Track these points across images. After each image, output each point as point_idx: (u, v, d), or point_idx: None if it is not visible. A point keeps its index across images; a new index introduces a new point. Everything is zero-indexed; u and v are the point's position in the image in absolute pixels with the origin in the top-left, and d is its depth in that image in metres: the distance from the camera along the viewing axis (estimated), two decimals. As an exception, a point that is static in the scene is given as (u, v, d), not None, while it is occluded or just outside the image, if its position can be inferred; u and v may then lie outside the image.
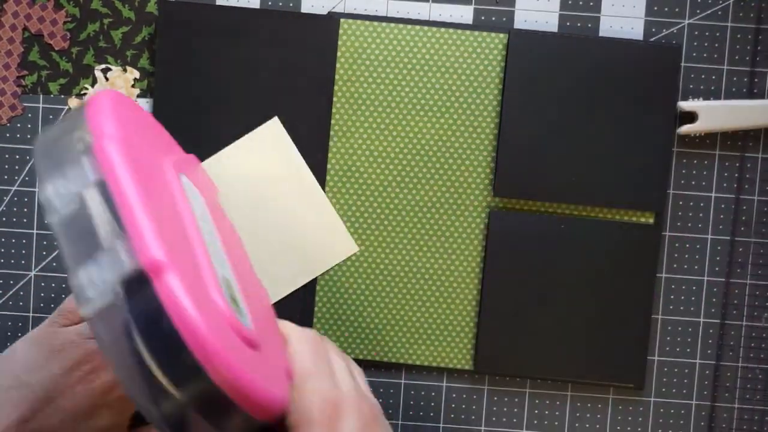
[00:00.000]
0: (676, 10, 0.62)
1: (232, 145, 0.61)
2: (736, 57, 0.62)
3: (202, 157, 0.62)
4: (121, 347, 0.40)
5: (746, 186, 0.62)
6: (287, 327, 0.51)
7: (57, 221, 0.43)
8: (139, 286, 0.40)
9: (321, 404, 0.46)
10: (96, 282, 0.40)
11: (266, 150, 0.61)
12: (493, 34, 0.61)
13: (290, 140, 0.61)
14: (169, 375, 0.40)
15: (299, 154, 0.61)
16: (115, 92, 0.48)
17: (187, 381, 0.40)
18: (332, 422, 0.46)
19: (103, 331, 0.40)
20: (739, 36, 0.62)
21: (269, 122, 0.61)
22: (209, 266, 0.45)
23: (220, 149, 0.62)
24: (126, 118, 0.47)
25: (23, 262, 0.63)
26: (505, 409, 0.63)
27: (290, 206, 0.61)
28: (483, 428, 0.63)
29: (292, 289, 0.62)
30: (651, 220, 0.62)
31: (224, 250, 0.51)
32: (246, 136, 0.61)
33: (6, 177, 0.63)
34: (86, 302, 0.40)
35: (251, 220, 0.61)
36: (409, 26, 0.61)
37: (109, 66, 0.62)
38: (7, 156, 0.63)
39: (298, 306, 0.62)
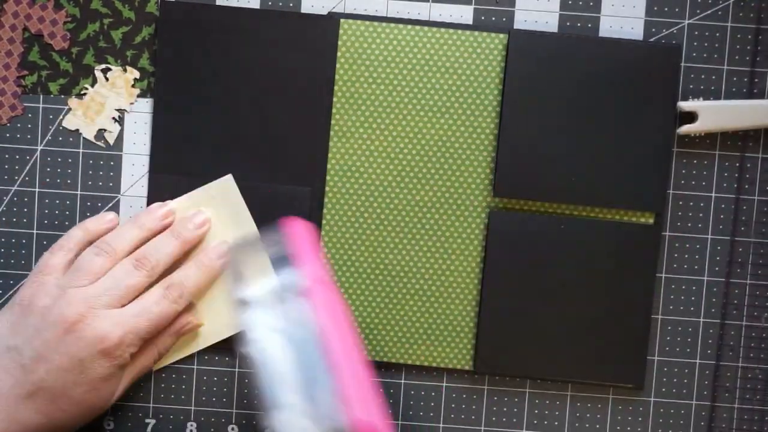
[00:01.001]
0: (676, 10, 0.62)
1: (185, 195, 0.61)
2: (736, 57, 0.62)
3: (205, 156, 0.62)
4: None
5: (746, 186, 0.62)
6: None
7: (258, 355, 0.47)
8: None
9: None
10: (296, 426, 0.45)
11: (217, 205, 0.61)
12: (493, 34, 0.61)
13: (241, 197, 0.61)
14: None
15: (247, 209, 0.61)
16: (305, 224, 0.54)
17: None
18: None
19: None
20: (739, 36, 0.62)
21: (223, 179, 0.61)
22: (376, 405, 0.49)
23: (220, 149, 0.62)
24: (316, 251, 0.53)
25: (23, 262, 0.63)
26: (505, 409, 0.63)
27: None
28: (483, 428, 0.63)
29: (232, 333, 0.61)
30: (651, 220, 0.62)
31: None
32: (199, 189, 0.61)
33: (6, 177, 0.63)
34: None
35: None
36: (409, 26, 0.61)
37: (109, 66, 0.62)
38: (7, 156, 0.63)
39: (298, 306, 0.62)
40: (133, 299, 0.56)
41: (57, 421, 0.55)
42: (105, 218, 0.60)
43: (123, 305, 0.56)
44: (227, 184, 0.61)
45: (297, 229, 0.53)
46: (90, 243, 0.59)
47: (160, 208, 0.60)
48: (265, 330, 0.47)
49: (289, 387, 0.45)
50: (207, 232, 0.60)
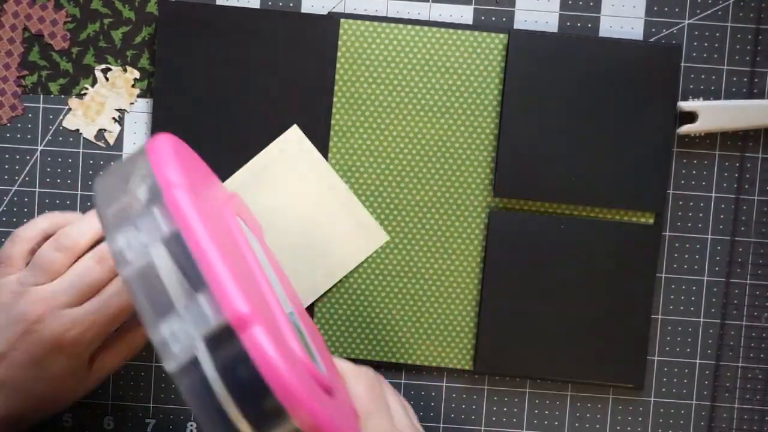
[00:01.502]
0: (676, 10, 0.62)
1: (256, 157, 0.61)
2: (736, 57, 0.62)
3: (204, 156, 0.62)
4: (206, 399, 0.40)
5: (746, 186, 0.62)
6: (343, 366, 0.52)
7: (131, 274, 0.43)
8: (224, 340, 0.40)
9: None
10: (179, 336, 0.41)
11: (289, 158, 0.61)
12: (493, 34, 0.61)
13: (312, 145, 0.61)
14: (256, 425, 0.40)
15: (322, 156, 0.61)
16: (171, 137, 0.48)
17: (272, 430, 0.40)
18: None
19: (187, 383, 0.41)
20: (739, 36, 0.62)
21: (289, 130, 0.61)
22: (283, 315, 0.46)
23: (220, 149, 0.62)
24: (183, 161, 0.47)
25: (23, 262, 0.63)
26: (505, 409, 0.63)
27: (318, 208, 0.61)
28: (483, 428, 0.63)
29: (327, 288, 0.62)
30: (651, 220, 0.62)
31: (285, 293, 0.51)
32: (268, 146, 0.61)
33: (6, 177, 0.63)
34: (170, 357, 0.41)
35: (282, 226, 0.61)
36: (409, 26, 0.61)
37: (109, 66, 0.63)
38: (7, 156, 0.63)
39: (298, 306, 0.62)
40: (94, 295, 0.55)
41: (15, 412, 0.54)
42: (72, 215, 0.58)
43: (82, 302, 0.55)
44: (295, 134, 0.61)
45: (157, 144, 0.47)
46: (51, 234, 0.57)
47: None
48: (136, 246, 0.43)
49: (168, 297, 0.43)
50: None
